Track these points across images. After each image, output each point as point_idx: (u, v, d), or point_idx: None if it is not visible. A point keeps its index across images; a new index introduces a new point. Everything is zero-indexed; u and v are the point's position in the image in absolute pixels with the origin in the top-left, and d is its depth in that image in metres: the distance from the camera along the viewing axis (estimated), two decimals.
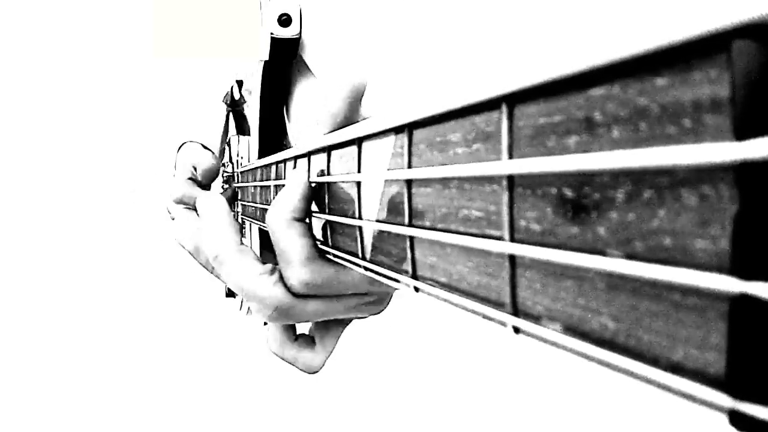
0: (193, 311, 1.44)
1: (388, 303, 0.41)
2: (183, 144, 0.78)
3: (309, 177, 0.35)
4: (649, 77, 0.11)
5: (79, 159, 1.47)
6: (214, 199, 0.43)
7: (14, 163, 1.49)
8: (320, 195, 0.34)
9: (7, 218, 1.49)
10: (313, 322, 0.42)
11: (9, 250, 1.48)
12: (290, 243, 0.35)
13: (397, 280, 0.24)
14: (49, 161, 1.48)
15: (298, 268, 0.35)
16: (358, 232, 0.28)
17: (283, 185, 0.44)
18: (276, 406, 1.27)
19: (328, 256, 0.34)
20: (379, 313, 0.40)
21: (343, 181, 0.30)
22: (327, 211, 0.33)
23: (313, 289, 0.35)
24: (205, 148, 0.80)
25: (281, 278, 0.37)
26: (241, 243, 0.41)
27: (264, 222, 0.54)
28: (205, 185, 0.75)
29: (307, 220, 0.36)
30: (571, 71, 0.13)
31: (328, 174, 0.32)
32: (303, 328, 0.45)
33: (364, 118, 0.34)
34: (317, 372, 0.44)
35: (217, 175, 0.76)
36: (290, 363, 0.43)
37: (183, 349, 1.45)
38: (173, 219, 0.72)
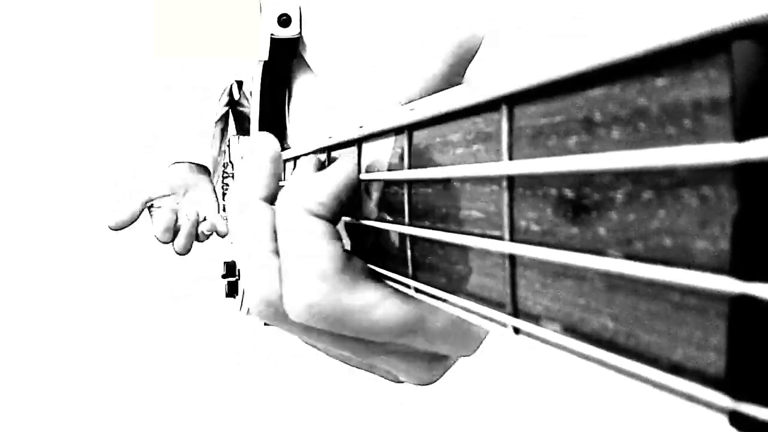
0: (193, 311, 1.44)
1: (445, 371, 0.29)
2: (174, 163, 0.80)
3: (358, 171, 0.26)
4: (649, 77, 0.11)
5: (78, 159, 1.47)
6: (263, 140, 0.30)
7: (13, 162, 1.49)
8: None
9: (5, 218, 1.49)
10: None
11: (7, 251, 1.48)
12: (310, 245, 0.24)
13: (396, 280, 0.24)
14: (48, 161, 1.48)
15: (313, 283, 0.24)
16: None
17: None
18: (275, 405, 1.27)
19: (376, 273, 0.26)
20: (429, 383, 0.28)
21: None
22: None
23: (320, 319, 0.24)
24: (199, 165, 0.81)
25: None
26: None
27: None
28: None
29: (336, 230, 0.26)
30: (571, 71, 0.13)
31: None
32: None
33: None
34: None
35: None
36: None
37: (183, 348, 1.45)
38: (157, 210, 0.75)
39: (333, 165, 0.26)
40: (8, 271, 1.48)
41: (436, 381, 0.28)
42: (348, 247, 0.28)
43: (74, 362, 1.45)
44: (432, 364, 0.27)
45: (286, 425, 1.24)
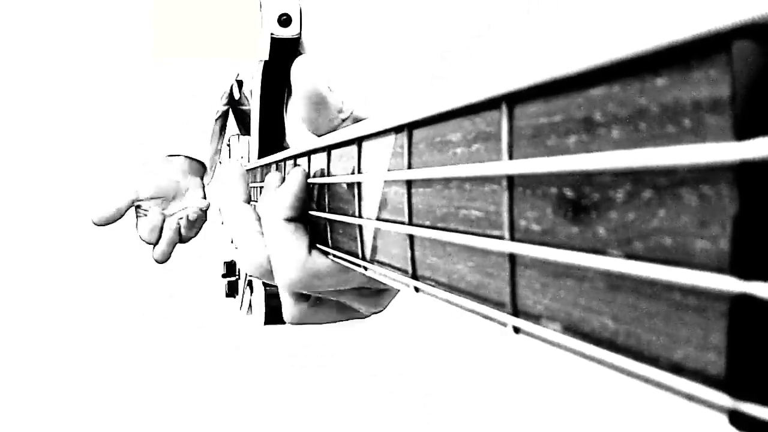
0: (193, 311, 1.44)
1: (388, 303, 0.40)
2: (170, 156, 0.79)
3: (308, 175, 0.35)
4: (649, 77, 0.11)
5: (78, 160, 1.47)
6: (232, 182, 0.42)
7: (12, 164, 1.49)
8: (320, 194, 0.34)
9: (5, 219, 1.49)
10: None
11: (7, 252, 1.48)
12: (283, 243, 0.34)
13: (397, 280, 0.24)
14: (47, 162, 1.48)
15: (292, 270, 0.34)
16: (358, 232, 0.28)
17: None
18: (275, 405, 1.27)
19: (325, 251, 0.34)
20: (378, 311, 0.40)
21: (342, 182, 0.30)
22: (327, 210, 0.33)
23: (308, 287, 0.35)
24: (194, 160, 0.81)
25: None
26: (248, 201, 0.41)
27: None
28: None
29: (302, 221, 0.36)
30: (571, 71, 0.13)
31: (329, 174, 0.32)
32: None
33: (357, 121, 0.34)
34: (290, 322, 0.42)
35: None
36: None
37: (183, 349, 1.45)
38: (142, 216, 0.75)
39: (288, 178, 0.35)
40: (7, 270, 1.48)
41: (381, 311, 0.39)
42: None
43: (74, 362, 1.45)
44: (372, 299, 0.38)
45: (286, 425, 1.24)
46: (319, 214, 0.34)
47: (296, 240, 0.34)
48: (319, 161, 0.34)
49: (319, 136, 0.34)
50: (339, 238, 0.32)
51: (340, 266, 0.34)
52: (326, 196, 0.33)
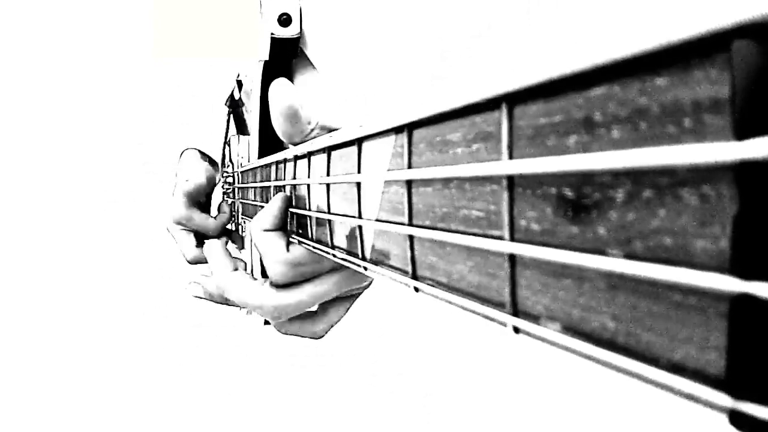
0: (194, 311, 1.44)
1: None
2: (184, 151, 0.79)
3: (289, 196, 0.43)
4: (649, 77, 0.11)
5: (79, 160, 1.47)
6: (208, 246, 0.54)
7: (12, 164, 1.49)
8: (321, 195, 0.34)
9: (6, 219, 1.49)
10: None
11: (7, 251, 1.48)
12: (265, 247, 0.43)
13: (397, 281, 0.24)
14: (48, 163, 1.48)
15: (275, 264, 0.42)
16: (358, 232, 0.28)
17: (283, 187, 0.44)
18: (276, 405, 1.27)
19: (300, 244, 0.39)
20: (368, 285, 0.48)
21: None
22: (328, 210, 0.33)
23: (291, 275, 0.42)
24: (204, 155, 0.80)
25: (271, 283, 0.44)
26: (236, 269, 0.51)
27: None
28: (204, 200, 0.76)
29: (282, 228, 0.44)
30: (571, 71, 0.13)
31: (328, 175, 0.32)
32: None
33: (325, 131, 0.39)
34: (321, 338, 0.51)
35: (210, 189, 0.76)
36: (294, 334, 0.50)
37: (183, 348, 1.45)
38: (175, 239, 0.75)
39: (272, 198, 0.44)
40: (8, 270, 1.48)
41: (368, 284, 0.48)
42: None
43: (74, 362, 1.45)
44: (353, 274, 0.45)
45: (287, 425, 1.24)
46: (321, 215, 0.34)
47: (276, 242, 0.43)
48: (318, 162, 0.34)
49: (294, 145, 0.40)
50: (338, 238, 0.32)
51: (314, 254, 0.41)
52: (327, 196, 0.33)
